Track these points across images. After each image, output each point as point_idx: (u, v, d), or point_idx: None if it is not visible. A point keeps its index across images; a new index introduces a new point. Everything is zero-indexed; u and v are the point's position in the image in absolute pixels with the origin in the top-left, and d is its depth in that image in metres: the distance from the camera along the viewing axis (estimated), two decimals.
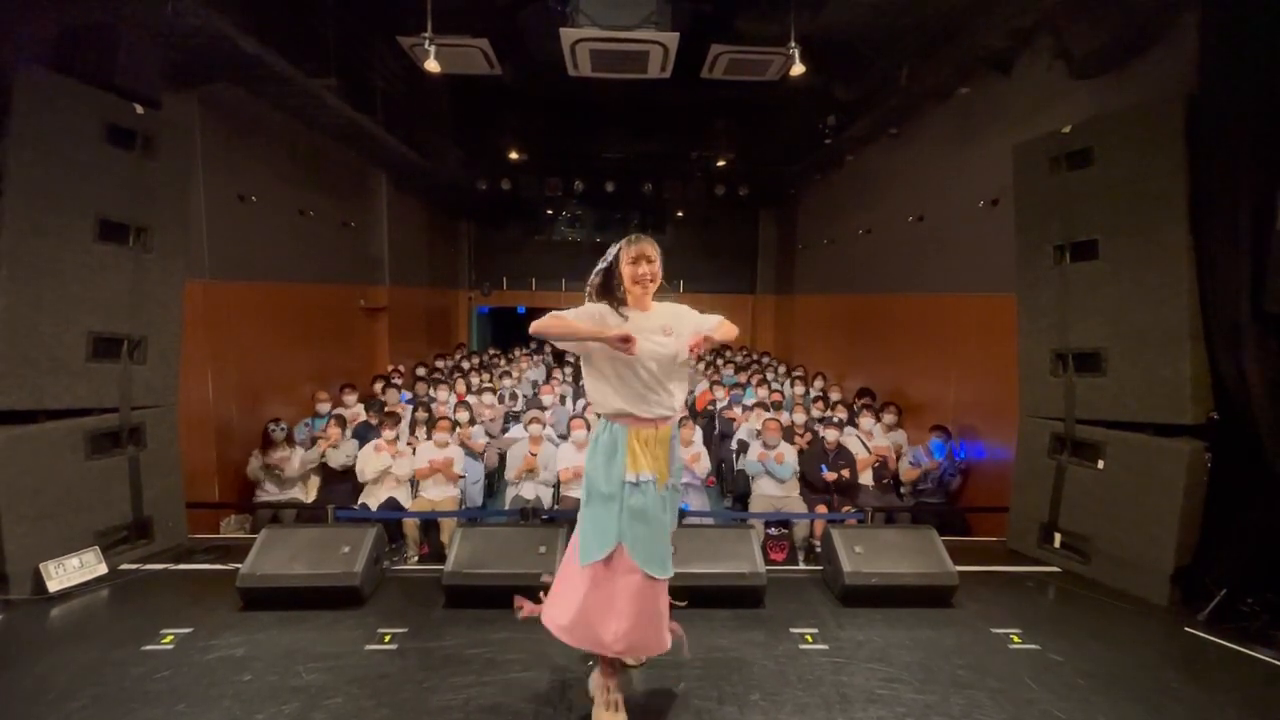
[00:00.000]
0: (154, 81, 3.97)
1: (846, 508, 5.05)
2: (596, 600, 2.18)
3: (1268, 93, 2.94)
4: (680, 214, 12.95)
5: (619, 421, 2.24)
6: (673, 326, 2.27)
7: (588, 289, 2.32)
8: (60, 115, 3.27)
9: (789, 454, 5.26)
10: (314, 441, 5.52)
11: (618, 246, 2.26)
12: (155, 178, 3.71)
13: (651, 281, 2.23)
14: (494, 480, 6.28)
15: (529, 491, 5.21)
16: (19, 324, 3.19)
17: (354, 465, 5.22)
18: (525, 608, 2.38)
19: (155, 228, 3.73)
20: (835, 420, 5.55)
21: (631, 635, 2.17)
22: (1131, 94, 3.73)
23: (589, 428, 5.15)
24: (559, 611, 2.26)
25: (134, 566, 3.60)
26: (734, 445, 6.06)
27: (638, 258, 2.20)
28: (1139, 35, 3.67)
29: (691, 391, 8.69)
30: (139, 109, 3.62)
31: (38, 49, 3.42)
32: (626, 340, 2.07)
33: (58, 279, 3.31)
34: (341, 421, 5.58)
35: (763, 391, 7.52)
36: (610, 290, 2.25)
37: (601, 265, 2.28)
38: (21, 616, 3.04)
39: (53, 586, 3.23)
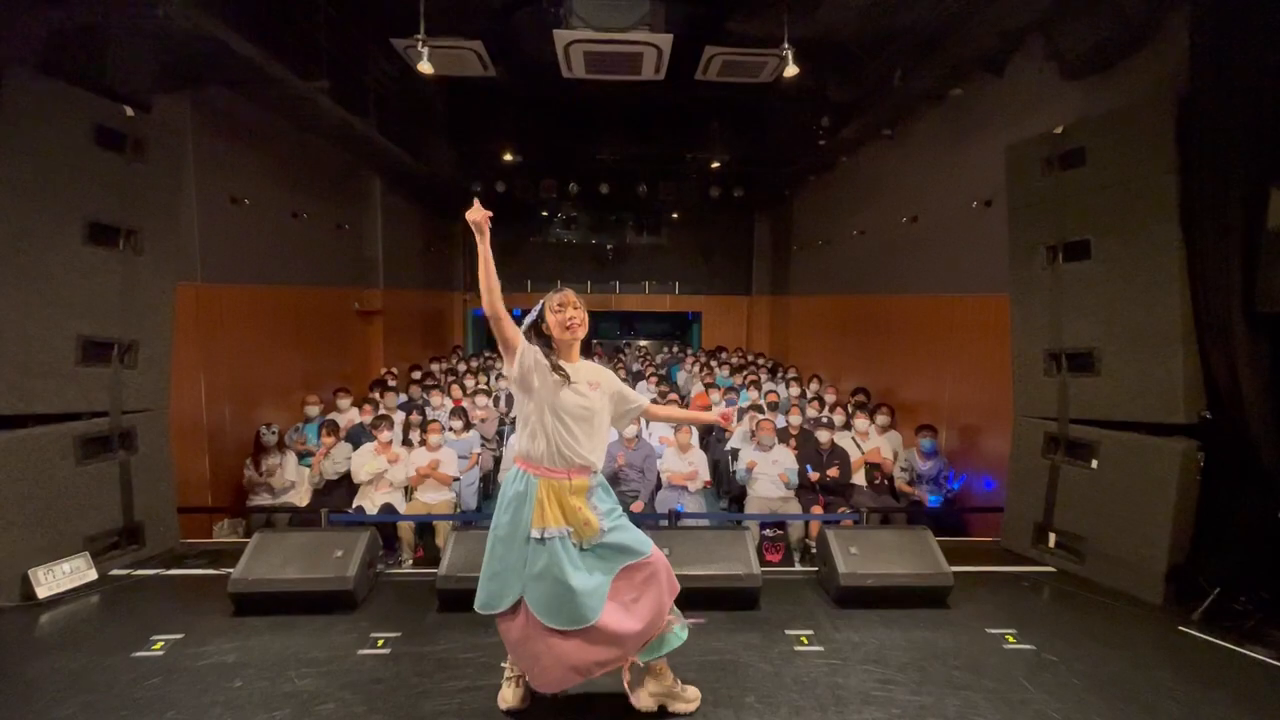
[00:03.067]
0: (144, 84, 3.96)
1: (842, 509, 5.05)
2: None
3: (1258, 93, 2.95)
4: (675, 215, 12.95)
5: (531, 471, 2.22)
6: (599, 383, 2.29)
7: (525, 338, 2.25)
8: (49, 118, 3.26)
9: (786, 457, 5.24)
10: (300, 453, 5.49)
11: (541, 303, 2.27)
12: (146, 180, 3.69)
13: (580, 326, 2.24)
14: (489, 483, 6.25)
15: None
16: (7, 327, 3.17)
17: (347, 470, 5.19)
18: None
19: (146, 230, 3.70)
20: (825, 420, 5.55)
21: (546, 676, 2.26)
22: (1123, 94, 3.75)
23: None
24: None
25: (125, 572, 3.58)
26: (726, 449, 6.05)
27: (563, 303, 2.23)
28: (1130, 36, 3.69)
29: (687, 394, 8.68)
30: (129, 111, 3.60)
31: (26, 51, 3.40)
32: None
33: (46, 282, 3.29)
34: (334, 427, 5.55)
35: (754, 393, 7.51)
36: (547, 341, 2.24)
37: (530, 320, 2.27)
38: (10, 623, 3.01)
39: (42, 593, 3.20)
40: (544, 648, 2.21)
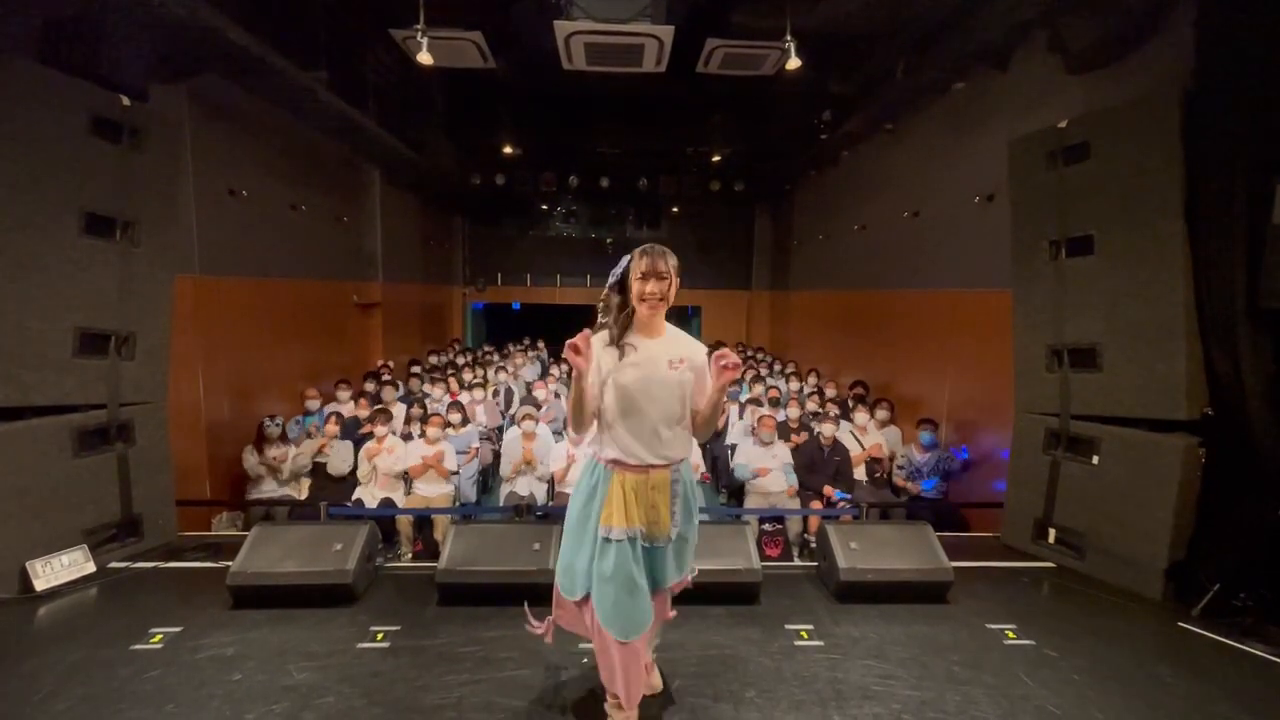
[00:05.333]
0: (141, 73, 3.93)
1: (841, 504, 5.04)
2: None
3: (1264, 87, 2.93)
4: (675, 209, 12.91)
5: (607, 465, 2.05)
6: (685, 359, 2.03)
7: (601, 301, 2.11)
8: (45, 107, 3.22)
9: (785, 453, 5.24)
10: (308, 436, 5.48)
11: (629, 257, 2.02)
12: (143, 171, 3.66)
13: (660, 301, 1.99)
14: (488, 477, 6.25)
15: (523, 488, 5.19)
16: (4, 319, 3.14)
17: (351, 468, 5.20)
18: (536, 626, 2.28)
19: (143, 222, 3.67)
20: (831, 415, 5.54)
21: (612, 683, 2.12)
22: (1128, 89, 3.72)
23: None
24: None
25: (123, 565, 3.57)
26: (725, 444, 6.05)
27: (647, 273, 1.96)
28: (1135, 29, 3.66)
29: None
30: (125, 101, 3.56)
31: (21, 40, 3.36)
32: (575, 350, 1.82)
33: (43, 274, 3.26)
34: (340, 419, 5.54)
35: (758, 388, 7.50)
36: (624, 306, 2.04)
37: (613, 279, 2.06)
38: (8, 615, 3.01)
39: (40, 585, 3.19)
40: (614, 650, 2.05)
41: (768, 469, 5.03)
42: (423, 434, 5.28)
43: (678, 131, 10.19)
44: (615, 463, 2.03)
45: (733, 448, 5.81)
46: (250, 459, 5.15)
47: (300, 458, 5.23)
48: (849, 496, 5.04)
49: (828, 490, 5.06)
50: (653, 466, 2.02)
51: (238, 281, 5.64)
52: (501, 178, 10.72)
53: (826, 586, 3.38)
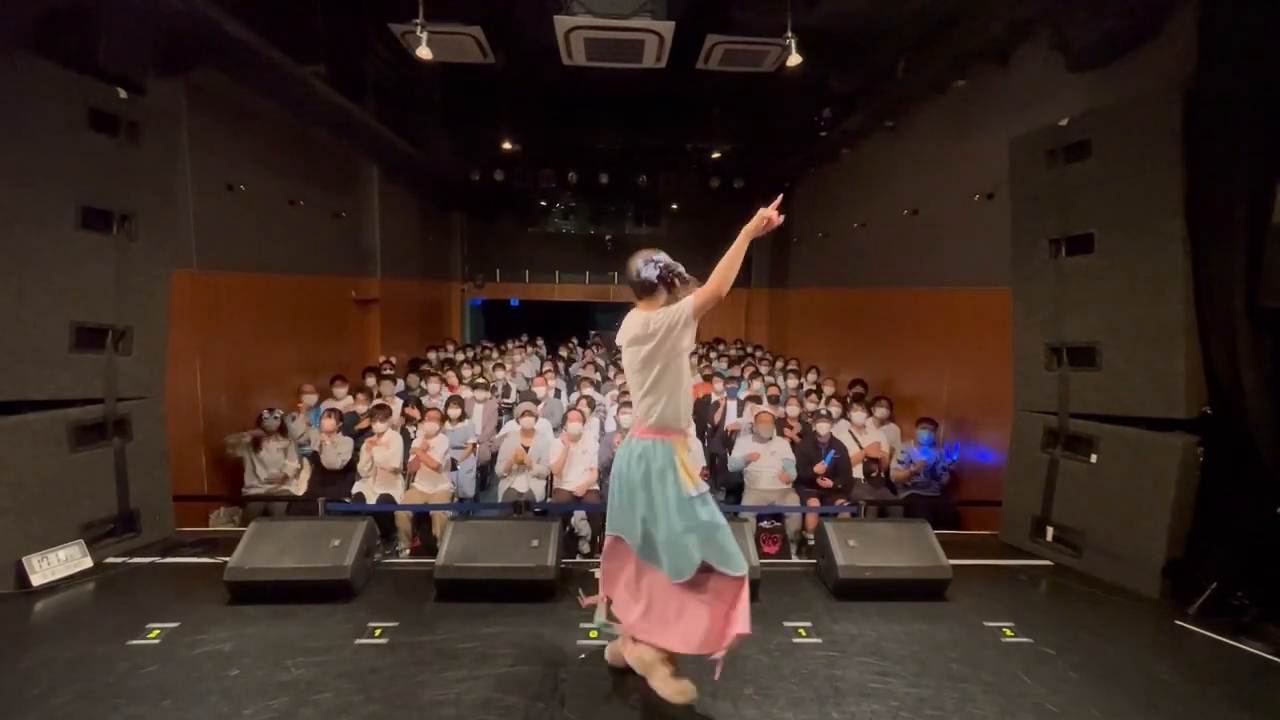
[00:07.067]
0: (138, 66, 3.90)
1: (840, 501, 5.05)
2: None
3: (1265, 87, 2.93)
4: (675, 206, 12.88)
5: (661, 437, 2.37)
6: (645, 333, 2.33)
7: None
8: (41, 100, 3.20)
9: (783, 448, 5.24)
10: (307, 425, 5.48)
11: (677, 266, 2.54)
12: (140, 164, 3.64)
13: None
14: (486, 473, 6.24)
15: (522, 485, 5.18)
16: (0, 313, 3.12)
17: (347, 462, 5.18)
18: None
19: (140, 215, 3.66)
20: (825, 413, 5.55)
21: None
22: (1129, 87, 3.71)
23: (583, 420, 5.13)
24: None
25: (120, 560, 3.56)
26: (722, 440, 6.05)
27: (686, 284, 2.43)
28: (1137, 28, 3.65)
29: None
30: (122, 94, 3.54)
31: (17, 31, 3.34)
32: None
33: (39, 267, 3.25)
34: (338, 415, 5.53)
35: (757, 384, 7.50)
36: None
37: (673, 273, 2.55)
38: (4, 611, 3.00)
39: (36, 580, 3.18)
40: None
41: (757, 453, 5.03)
42: (417, 427, 5.27)
43: (677, 128, 10.13)
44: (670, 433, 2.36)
45: (725, 442, 5.81)
46: (231, 437, 5.13)
47: (305, 447, 5.22)
48: (834, 454, 5.09)
49: (819, 468, 5.08)
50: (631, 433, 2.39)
51: (235, 276, 5.62)
52: (500, 174, 10.68)
53: (825, 584, 3.38)
